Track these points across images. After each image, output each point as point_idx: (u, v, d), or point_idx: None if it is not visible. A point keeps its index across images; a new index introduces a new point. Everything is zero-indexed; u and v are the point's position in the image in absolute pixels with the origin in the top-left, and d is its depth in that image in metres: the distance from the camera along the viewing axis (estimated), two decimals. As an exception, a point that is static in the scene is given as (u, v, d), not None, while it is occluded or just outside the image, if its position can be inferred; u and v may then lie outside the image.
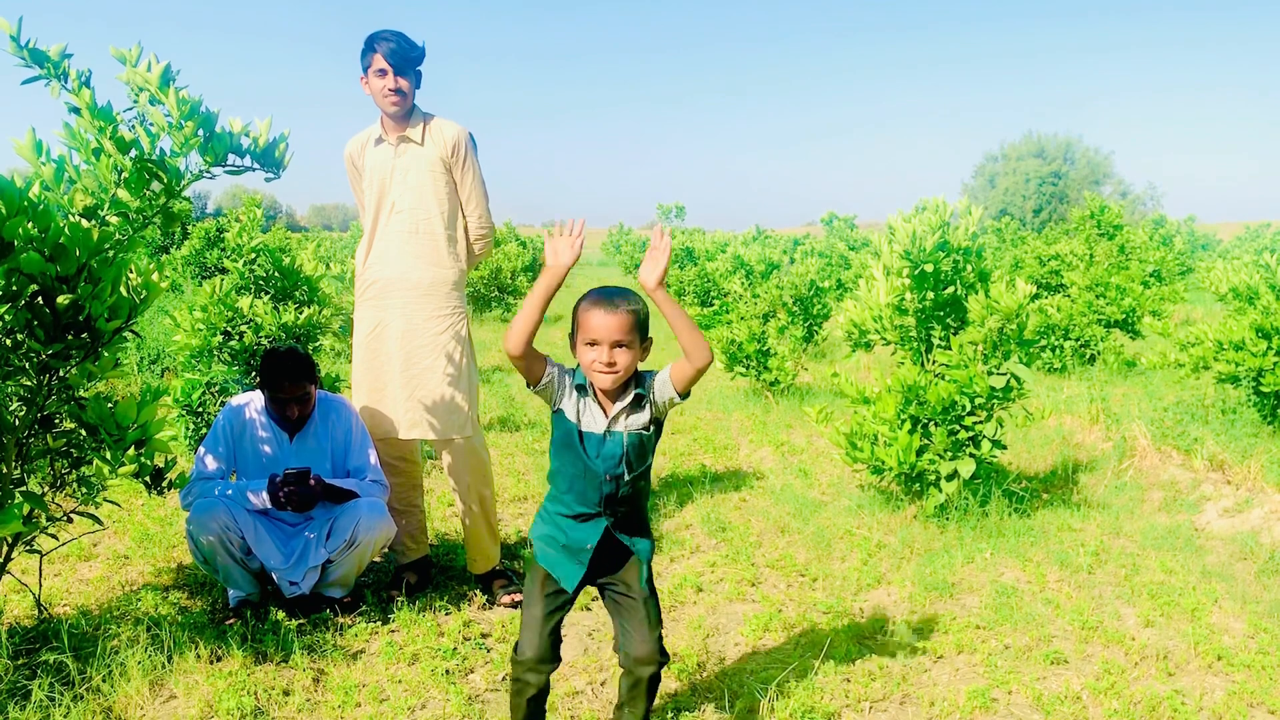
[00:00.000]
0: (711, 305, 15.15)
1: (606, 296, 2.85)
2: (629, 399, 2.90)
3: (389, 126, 4.56)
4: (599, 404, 2.92)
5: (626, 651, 3.03)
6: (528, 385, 2.92)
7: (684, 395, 2.91)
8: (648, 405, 2.93)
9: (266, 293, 7.51)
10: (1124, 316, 11.63)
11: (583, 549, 2.97)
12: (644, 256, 2.98)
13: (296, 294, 7.59)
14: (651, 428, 2.95)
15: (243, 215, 7.89)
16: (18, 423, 3.42)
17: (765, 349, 9.63)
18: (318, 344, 7.58)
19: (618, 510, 2.97)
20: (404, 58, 4.38)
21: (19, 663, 3.51)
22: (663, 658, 3.03)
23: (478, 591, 4.56)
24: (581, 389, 2.92)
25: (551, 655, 3.00)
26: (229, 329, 6.89)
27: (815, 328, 12.78)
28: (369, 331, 4.58)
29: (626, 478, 2.92)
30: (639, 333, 2.86)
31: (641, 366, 2.98)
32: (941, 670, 3.88)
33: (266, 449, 4.44)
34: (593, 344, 2.83)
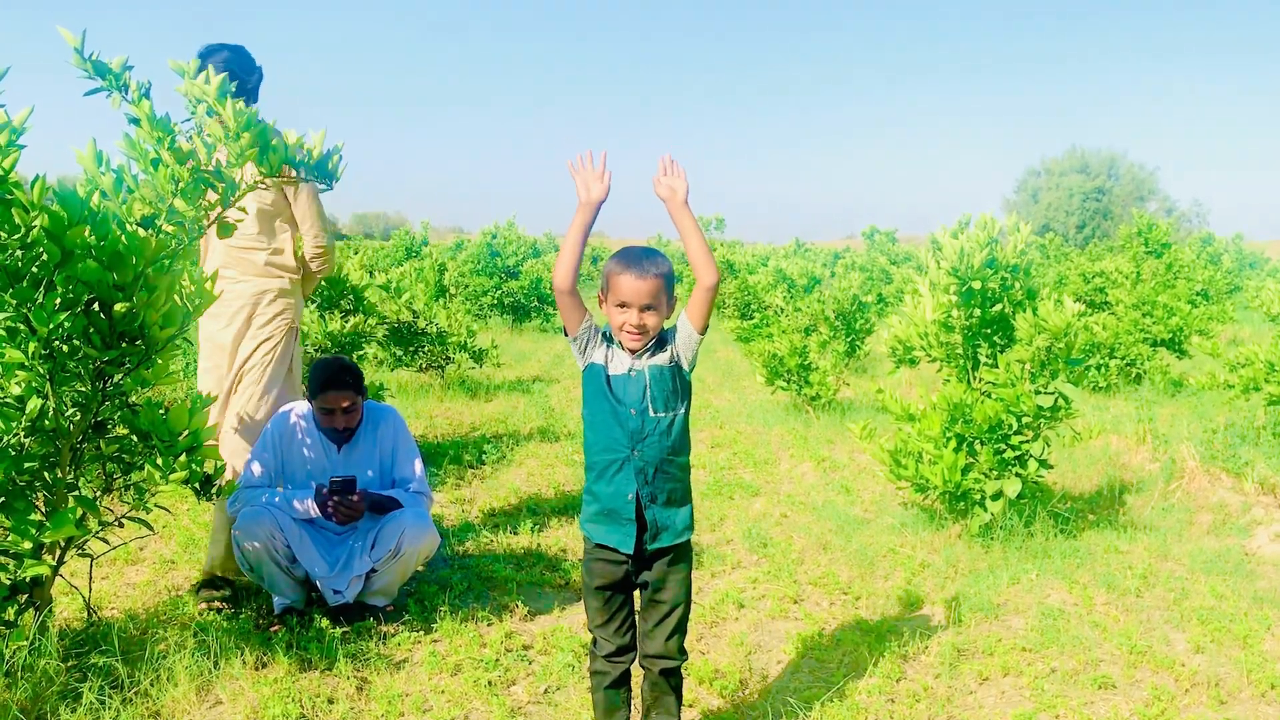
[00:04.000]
0: (752, 318, 15.12)
1: (635, 260, 2.99)
2: (652, 343, 3.07)
3: None
4: (624, 350, 3.08)
5: (644, 651, 3.14)
6: (566, 333, 3.11)
7: (703, 331, 3.07)
8: (669, 347, 3.07)
9: (313, 301, 7.58)
10: (1171, 336, 11.48)
11: (624, 501, 3.05)
12: (658, 177, 3.07)
13: (342, 303, 7.66)
14: (672, 365, 3.07)
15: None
16: (72, 428, 3.47)
17: (806, 363, 9.59)
18: (363, 352, 7.65)
19: (646, 454, 3.04)
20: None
21: (69, 665, 3.54)
22: (680, 656, 3.14)
23: (520, 602, 4.57)
24: (609, 339, 3.09)
25: (629, 644, 3.15)
26: (275, 336, 6.96)
27: (857, 343, 12.71)
28: (213, 344, 4.62)
29: (651, 412, 3.03)
30: (666, 294, 3.03)
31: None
32: (987, 692, 3.84)
33: (313, 457, 4.47)
34: (622, 306, 2.99)
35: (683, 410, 3.10)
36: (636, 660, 3.18)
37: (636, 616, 3.20)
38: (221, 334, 4.58)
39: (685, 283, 18.67)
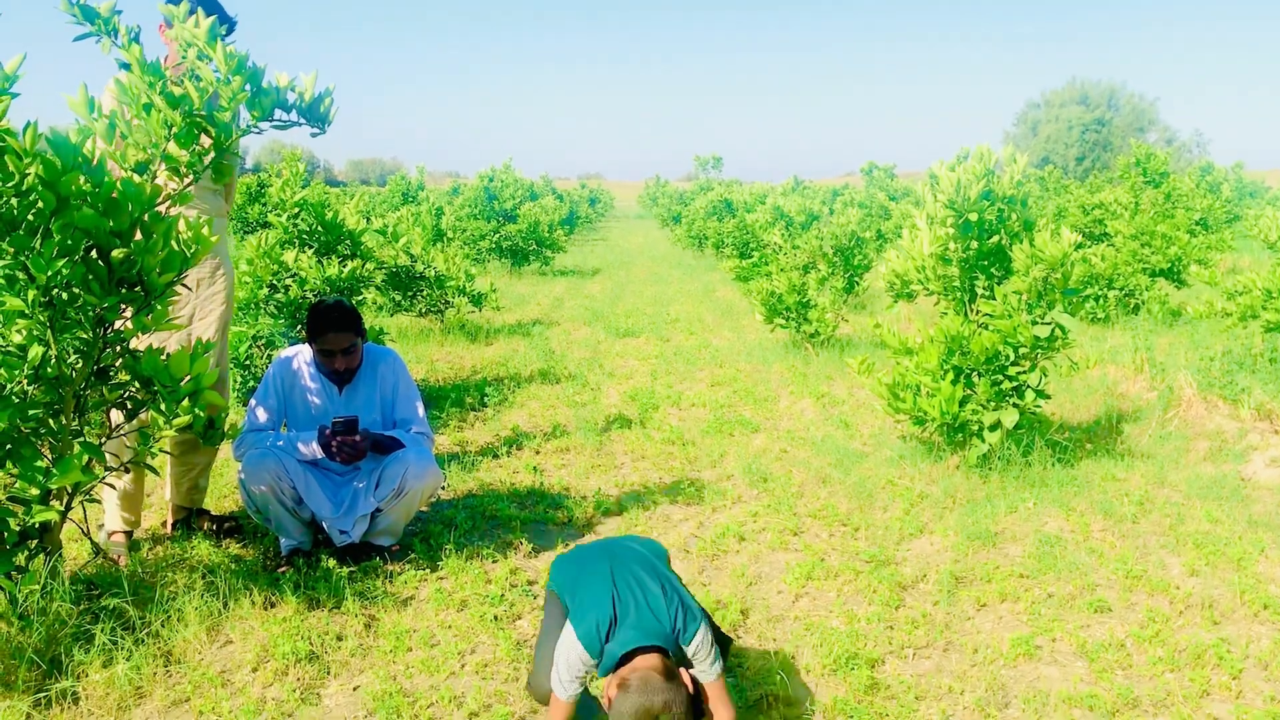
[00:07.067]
0: (750, 257, 15.08)
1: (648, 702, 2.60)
2: None
3: None
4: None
5: None
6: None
7: None
8: None
9: (310, 247, 7.58)
10: (1169, 265, 11.46)
11: None
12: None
13: (340, 248, 7.65)
14: None
15: (285, 170, 7.94)
16: (75, 375, 3.50)
17: (805, 300, 9.59)
18: (361, 297, 7.65)
19: None
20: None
21: (81, 608, 3.60)
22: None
23: (524, 540, 4.63)
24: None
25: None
26: (274, 282, 6.97)
27: (856, 279, 12.67)
28: None
29: None
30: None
31: None
32: (985, 618, 3.91)
33: (316, 401, 4.51)
34: None
35: None
36: None
37: None
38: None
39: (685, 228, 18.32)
